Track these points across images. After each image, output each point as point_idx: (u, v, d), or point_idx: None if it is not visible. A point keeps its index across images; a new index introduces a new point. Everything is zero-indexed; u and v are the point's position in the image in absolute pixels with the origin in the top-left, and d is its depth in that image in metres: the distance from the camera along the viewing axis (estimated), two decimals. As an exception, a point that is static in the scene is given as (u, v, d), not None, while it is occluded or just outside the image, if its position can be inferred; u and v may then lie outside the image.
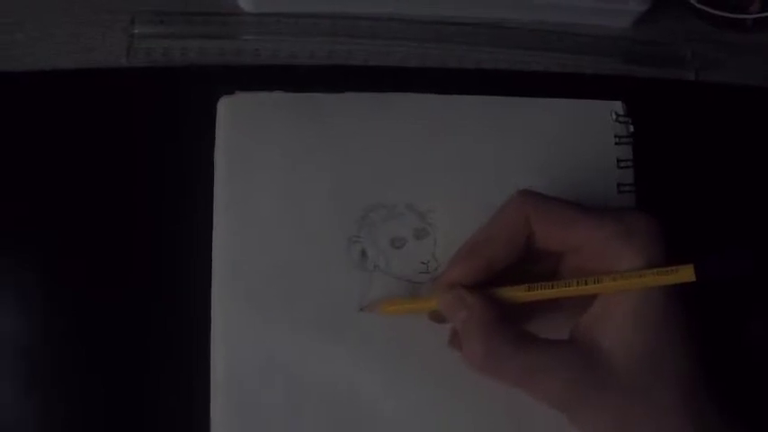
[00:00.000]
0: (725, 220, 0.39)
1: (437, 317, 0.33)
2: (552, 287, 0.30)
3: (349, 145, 0.36)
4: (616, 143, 0.37)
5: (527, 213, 0.31)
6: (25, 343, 0.36)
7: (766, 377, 0.38)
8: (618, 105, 0.38)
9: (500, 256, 0.31)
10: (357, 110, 0.37)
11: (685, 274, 0.28)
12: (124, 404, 0.35)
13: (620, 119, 0.38)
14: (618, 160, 0.37)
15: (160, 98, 0.38)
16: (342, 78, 0.38)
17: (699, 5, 0.43)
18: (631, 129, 0.38)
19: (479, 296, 0.31)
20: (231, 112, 0.36)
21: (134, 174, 0.37)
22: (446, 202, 0.36)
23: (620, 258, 0.29)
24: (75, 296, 0.36)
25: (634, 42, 0.42)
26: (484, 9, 0.41)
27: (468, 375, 0.34)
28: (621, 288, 0.29)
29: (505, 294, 0.31)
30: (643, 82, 0.41)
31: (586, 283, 0.30)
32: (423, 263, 0.35)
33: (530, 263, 0.32)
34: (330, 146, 0.36)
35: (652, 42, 0.42)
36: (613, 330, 0.29)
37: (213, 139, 0.36)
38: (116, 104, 0.38)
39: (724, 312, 0.38)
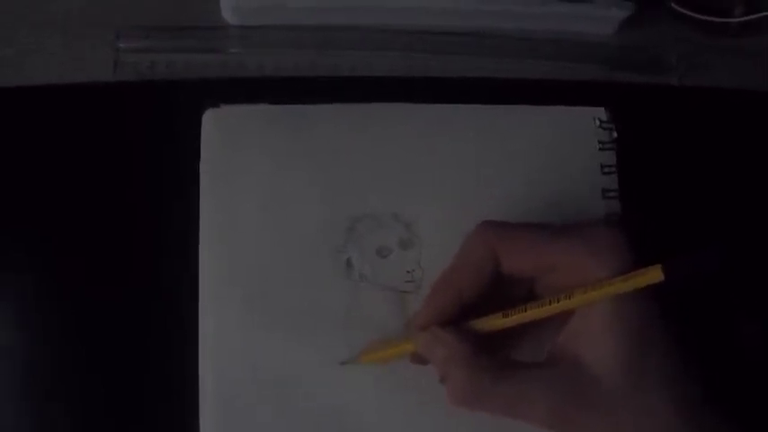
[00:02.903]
0: (709, 224, 0.39)
1: (418, 359, 0.33)
2: (526, 310, 0.31)
3: (334, 156, 0.36)
4: (600, 149, 0.38)
5: (492, 245, 0.31)
6: (22, 345, 0.36)
7: (756, 376, 0.38)
8: (601, 112, 0.38)
9: (469, 287, 0.32)
10: (342, 121, 0.37)
11: (653, 275, 0.28)
12: (121, 404, 0.36)
13: (604, 125, 0.38)
14: (602, 166, 0.38)
15: (146, 112, 0.38)
16: (327, 89, 0.39)
17: (682, 10, 0.43)
18: (615, 135, 0.38)
19: (455, 332, 0.31)
20: (216, 125, 0.36)
21: (120, 186, 0.37)
22: (432, 212, 0.36)
23: (589, 271, 0.30)
24: (59, 311, 0.36)
25: (617, 49, 0.42)
26: (467, 18, 0.41)
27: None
28: (594, 299, 0.29)
29: (483, 325, 0.31)
30: (627, 88, 0.42)
31: (558, 301, 0.30)
32: (408, 272, 0.36)
33: (504, 287, 0.32)
34: (315, 157, 0.36)
35: (635, 48, 0.42)
36: (593, 343, 0.29)
37: (199, 151, 0.36)
38: (103, 118, 0.38)
39: (712, 312, 0.39)
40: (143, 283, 0.36)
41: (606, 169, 0.37)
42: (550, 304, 0.30)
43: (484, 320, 0.31)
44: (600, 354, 0.29)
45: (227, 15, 0.40)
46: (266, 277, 0.35)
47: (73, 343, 0.36)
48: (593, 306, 0.29)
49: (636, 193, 0.38)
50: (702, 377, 0.30)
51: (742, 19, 0.43)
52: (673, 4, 0.43)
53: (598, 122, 0.38)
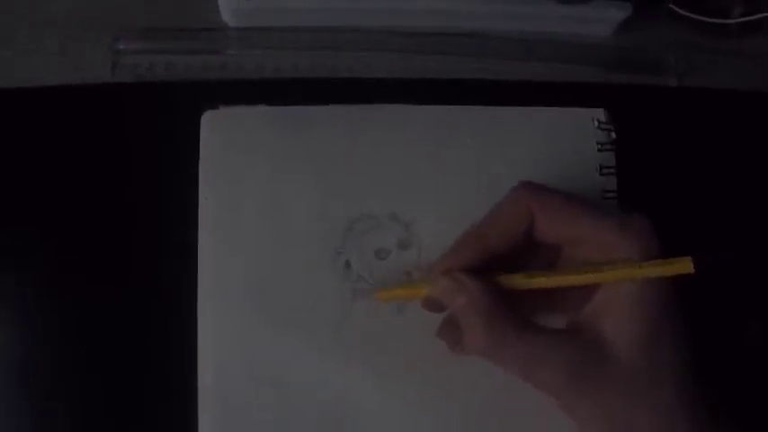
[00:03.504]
0: (708, 225, 0.39)
1: (430, 305, 0.33)
2: (553, 276, 0.31)
3: (333, 156, 0.36)
4: (599, 150, 0.38)
5: (529, 205, 0.31)
6: (22, 345, 0.36)
7: (755, 376, 0.39)
8: (600, 113, 0.38)
9: (497, 244, 0.31)
10: (341, 122, 0.37)
11: (683, 265, 0.29)
12: (120, 402, 0.36)
13: (603, 126, 0.38)
14: (600, 167, 0.37)
15: (145, 113, 0.38)
16: (325, 91, 0.39)
17: (680, 11, 0.43)
18: (614, 136, 0.38)
19: (479, 281, 0.31)
20: (215, 127, 0.36)
21: (120, 188, 0.37)
22: (430, 213, 0.36)
23: (618, 251, 0.30)
24: (58, 311, 0.36)
25: (616, 50, 0.42)
26: (466, 20, 0.41)
27: (453, 378, 0.34)
28: (620, 278, 0.29)
29: (505, 281, 0.31)
30: (625, 89, 0.42)
31: (586, 273, 0.30)
32: (407, 273, 0.36)
33: (527, 256, 0.32)
34: (314, 158, 0.36)
35: (634, 49, 0.42)
36: (614, 322, 0.30)
37: (198, 153, 0.36)
38: (102, 120, 0.38)
39: (716, 313, 0.39)
40: (142, 283, 0.36)
41: (605, 170, 0.37)
42: (578, 274, 0.30)
43: (508, 277, 0.31)
44: (621, 334, 0.29)
45: (226, 17, 0.40)
46: (265, 278, 0.35)
47: (72, 342, 0.36)
48: (620, 287, 0.30)
49: (635, 194, 0.38)
50: (710, 377, 0.30)
51: (740, 20, 0.43)
52: (671, 5, 0.43)
53: (597, 123, 0.38)
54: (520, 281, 0.31)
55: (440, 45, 0.40)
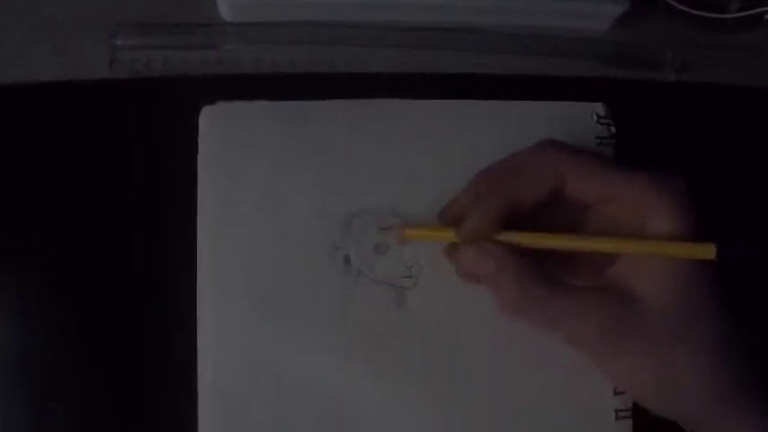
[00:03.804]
0: (705, 218, 0.39)
1: (450, 253, 0.34)
2: (579, 239, 0.31)
3: (332, 151, 0.36)
4: (598, 144, 0.38)
5: (558, 165, 0.31)
6: (22, 343, 0.36)
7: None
8: (599, 107, 0.38)
9: (522, 199, 0.31)
10: (339, 116, 0.37)
11: (706, 251, 0.29)
12: (119, 399, 0.36)
13: (602, 120, 0.38)
14: (600, 162, 0.37)
15: (143, 109, 0.38)
16: (323, 86, 0.39)
17: (678, 6, 0.43)
18: (613, 130, 0.38)
19: (506, 246, 0.31)
20: (213, 122, 0.36)
21: (118, 184, 0.37)
22: (429, 207, 0.36)
23: (651, 210, 0.30)
24: (57, 310, 0.36)
25: (613, 45, 0.42)
26: (463, 14, 0.41)
27: (453, 375, 0.34)
28: (643, 252, 0.30)
29: (530, 240, 0.31)
30: (623, 84, 0.42)
31: (610, 241, 0.31)
32: (407, 267, 0.36)
33: (553, 213, 0.32)
34: (313, 153, 0.36)
35: (632, 44, 0.42)
36: (647, 279, 0.30)
37: (196, 148, 0.36)
38: (100, 116, 0.38)
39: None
40: (141, 280, 0.36)
41: (604, 164, 0.37)
42: (602, 241, 0.31)
43: (532, 235, 0.31)
44: (654, 287, 0.30)
45: (224, 12, 0.40)
46: (264, 273, 0.35)
47: (70, 339, 0.36)
48: None
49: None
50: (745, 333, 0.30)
51: (738, 15, 0.43)
52: (668, 0, 0.43)
53: (596, 118, 0.38)
54: (544, 240, 0.31)
55: (438, 40, 0.40)
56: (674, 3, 0.43)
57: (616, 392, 0.35)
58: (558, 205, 0.32)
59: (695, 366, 0.30)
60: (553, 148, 0.32)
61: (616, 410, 0.35)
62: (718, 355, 0.30)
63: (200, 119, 0.36)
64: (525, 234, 0.32)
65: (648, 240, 0.30)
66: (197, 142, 0.36)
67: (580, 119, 0.38)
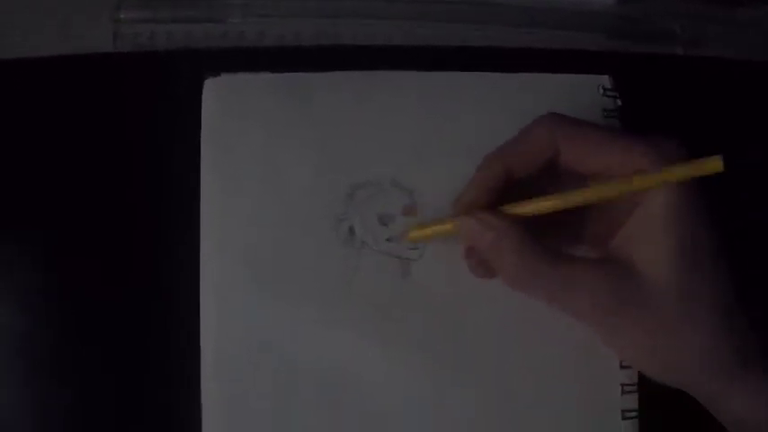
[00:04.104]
0: (711, 191, 0.39)
1: (475, 265, 0.34)
2: (583, 193, 0.31)
3: (336, 123, 0.36)
4: (604, 117, 0.37)
5: (555, 135, 0.31)
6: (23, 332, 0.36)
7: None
8: (605, 79, 0.38)
9: (518, 169, 0.31)
10: (342, 88, 0.37)
11: (713, 165, 0.29)
12: (120, 393, 0.36)
13: (608, 93, 0.38)
14: (606, 134, 0.37)
15: (147, 82, 0.38)
16: (328, 58, 0.38)
17: (686, -20, 0.43)
18: (619, 103, 0.38)
19: (504, 216, 0.31)
20: (216, 94, 0.36)
21: (122, 157, 0.37)
22: (434, 179, 0.36)
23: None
24: (62, 275, 0.36)
25: (620, 18, 0.42)
26: (469, -14, 0.41)
27: (457, 347, 0.34)
28: (651, 184, 0.29)
29: (534, 206, 0.31)
30: (630, 57, 0.41)
31: (618, 184, 0.30)
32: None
33: (551, 188, 0.32)
34: (316, 124, 0.36)
35: (639, 18, 0.42)
36: (647, 249, 0.30)
37: (200, 121, 0.36)
38: (104, 89, 0.38)
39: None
40: (144, 253, 0.36)
41: (610, 137, 0.37)
42: (609, 187, 0.30)
43: (531, 201, 0.31)
44: (654, 258, 0.30)
45: (228, -16, 0.40)
46: (267, 245, 0.35)
47: (70, 316, 0.36)
48: (652, 213, 0.30)
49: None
50: (747, 303, 0.30)
51: (746, -11, 0.43)
52: (676, -26, 0.42)
53: (602, 90, 0.38)
54: (552, 202, 0.31)
55: (443, 12, 0.40)
56: (681, -24, 0.42)
57: (622, 366, 0.35)
58: (557, 178, 0.32)
59: (696, 337, 0.30)
60: (551, 118, 0.32)
61: (622, 384, 0.35)
62: (720, 325, 0.30)
63: (204, 91, 0.36)
64: (524, 203, 0.31)
65: (651, 174, 0.29)
66: (200, 114, 0.36)
67: (586, 91, 0.38)
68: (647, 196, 0.30)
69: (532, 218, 0.31)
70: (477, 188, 0.32)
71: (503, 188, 0.32)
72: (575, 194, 0.31)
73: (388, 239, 0.35)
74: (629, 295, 0.30)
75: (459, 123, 0.37)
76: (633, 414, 0.35)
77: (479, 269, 0.33)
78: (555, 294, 0.31)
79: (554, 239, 0.32)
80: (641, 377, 0.35)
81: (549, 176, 0.32)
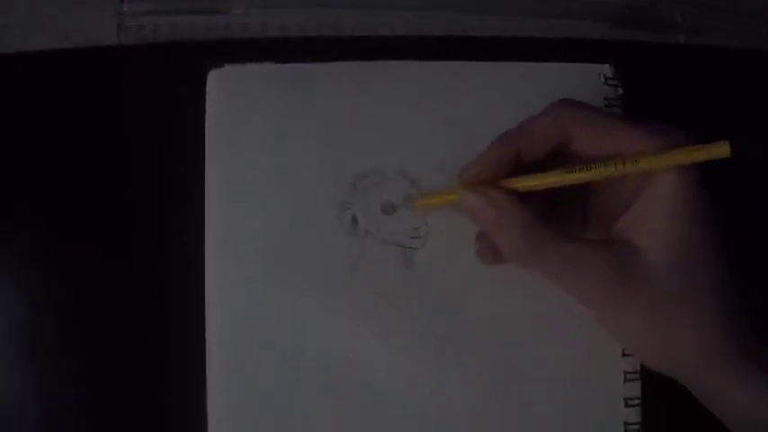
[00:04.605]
0: (713, 181, 0.39)
1: (485, 254, 0.34)
2: (590, 169, 0.30)
3: (339, 113, 0.36)
4: (606, 105, 0.37)
5: (568, 121, 0.31)
6: (25, 322, 0.36)
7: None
8: (606, 68, 0.38)
9: (529, 150, 0.31)
10: (346, 78, 0.37)
11: (720, 150, 0.28)
12: (123, 384, 0.36)
13: (609, 82, 0.38)
14: (607, 123, 0.37)
15: (151, 74, 0.38)
16: (331, 49, 0.39)
17: (688, -32, 0.43)
18: (620, 91, 0.38)
19: (508, 192, 0.31)
20: (220, 85, 0.36)
21: (126, 149, 0.37)
22: (436, 168, 0.36)
23: None
24: (64, 272, 0.37)
25: (622, 7, 0.42)
26: (471, -24, 0.41)
27: (461, 335, 0.34)
28: (658, 166, 0.29)
29: (537, 181, 0.31)
30: (632, 46, 0.41)
31: (624, 164, 0.30)
32: (414, 228, 0.36)
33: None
34: (319, 114, 0.36)
35: (641, 6, 0.42)
36: (651, 232, 0.30)
37: (204, 112, 0.36)
38: (107, 82, 0.38)
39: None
40: (148, 242, 0.37)
41: (612, 125, 0.37)
42: (615, 166, 0.30)
43: (537, 176, 0.31)
44: (658, 240, 0.30)
45: (231, -23, 0.40)
46: (271, 234, 0.35)
47: (71, 310, 0.36)
48: (655, 195, 0.30)
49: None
50: (746, 290, 0.30)
51: (749, -22, 0.43)
52: (678, -38, 0.42)
53: (603, 79, 0.38)
54: (561, 177, 0.31)
55: (446, 2, 0.40)
56: (683, -35, 0.42)
57: (624, 354, 0.35)
58: (567, 164, 0.32)
59: (695, 324, 0.30)
60: (563, 104, 0.32)
61: (625, 372, 0.35)
62: (719, 313, 0.30)
63: (208, 82, 0.36)
64: (528, 176, 0.31)
65: (657, 155, 0.29)
66: (204, 105, 0.36)
67: (588, 80, 0.38)
68: (654, 180, 0.30)
69: (538, 198, 0.31)
70: (485, 163, 0.32)
71: (510, 169, 0.32)
72: (579, 172, 0.31)
73: (393, 208, 0.35)
74: (627, 279, 0.30)
75: (461, 112, 0.37)
76: (636, 402, 0.35)
77: (488, 254, 0.34)
78: (559, 273, 0.31)
79: (559, 221, 0.32)
80: (644, 365, 0.35)
81: (560, 163, 0.32)
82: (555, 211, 0.32)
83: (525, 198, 0.31)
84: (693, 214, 0.30)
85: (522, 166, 0.32)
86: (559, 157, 0.32)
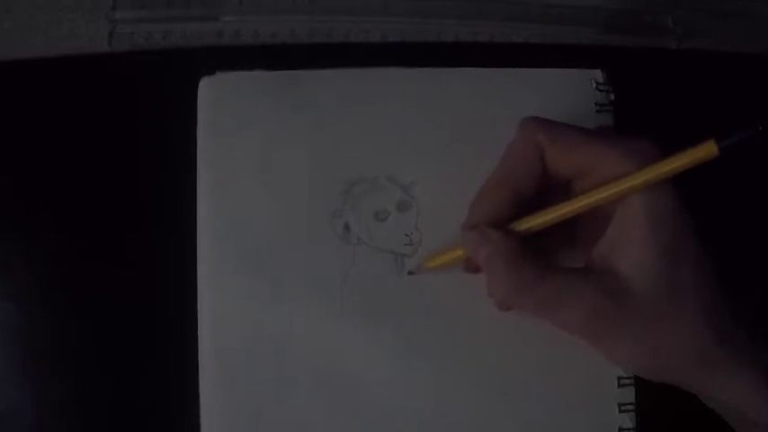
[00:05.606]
0: (706, 187, 0.39)
1: (470, 266, 0.33)
2: (573, 204, 0.30)
3: (330, 120, 0.36)
4: (597, 111, 0.37)
5: (537, 138, 0.31)
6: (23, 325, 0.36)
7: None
8: (598, 74, 0.38)
9: (524, 186, 0.31)
10: (338, 85, 0.37)
11: (707, 150, 0.28)
12: (118, 385, 0.36)
13: (601, 87, 0.38)
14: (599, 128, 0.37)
15: (143, 81, 0.38)
16: (323, 56, 0.39)
17: (679, -27, 0.43)
18: (612, 97, 0.38)
19: (502, 230, 0.31)
20: (212, 92, 0.36)
21: (117, 156, 0.37)
22: (428, 174, 0.36)
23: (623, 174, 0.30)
24: (59, 274, 0.37)
25: (614, 12, 0.42)
26: (462, -17, 0.41)
27: (454, 342, 0.34)
28: (650, 179, 0.29)
29: (529, 223, 0.31)
30: (624, 51, 0.42)
31: (607, 189, 0.30)
32: (406, 235, 0.35)
33: (545, 195, 0.32)
34: (312, 121, 0.36)
35: (632, 11, 0.42)
36: (629, 254, 0.30)
37: (195, 119, 0.36)
38: (99, 89, 0.38)
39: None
40: (141, 249, 0.37)
41: (603, 131, 0.37)
42: (598, 194, 0.30)
43: (524, 220, 0.31)
44: (637, 264, 0.29)
45: (222, -17, 0.40)
46: (264, 241, 0.35)
47: (64, 311, 0.37)
48: (629, 216, 0.30)
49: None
50: (733, 294, 0.30)
51: (740, -18, 0.43)
52: (669, -33, 0.43)
53: (595, 85, 0.38)
54: (538, 219, 0.31)
55: (438, 9, 0.40)
56: (675, -31, 0.43)
57: (618, 359, 0.35)
58: (550, 189, 0.32)
59: (683, 337, 0.29)
60: (529, 120, 0.32)
61: (618, 378, 0.35)
62: (706, 324, 0.29)
63: (199, 89, 0.36)
64: (531, 217, 0.31)
65: (641, 171, 0.29)
66: (196, 114, 0.36)
67: (579, 86, 0.38)
68: (626, 199, 0.30)
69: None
70: (486, 212, 0.32)
71: (512, 208, 0.31)
72: (583, 199, 0.30)
73: (409, 273, 0.35)
74: (612, 304, 0.29)
75: (453, 119, 0.37)
76: (630, 407, 0.35)
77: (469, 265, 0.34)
78: (540, 309, 0.31)
79: (550, 242, 0.32)
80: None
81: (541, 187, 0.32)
82: (545, 235, 0.32)
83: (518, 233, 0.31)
84: (667, 232, 0.29)
85: (525, 201, 0.32)
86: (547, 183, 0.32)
